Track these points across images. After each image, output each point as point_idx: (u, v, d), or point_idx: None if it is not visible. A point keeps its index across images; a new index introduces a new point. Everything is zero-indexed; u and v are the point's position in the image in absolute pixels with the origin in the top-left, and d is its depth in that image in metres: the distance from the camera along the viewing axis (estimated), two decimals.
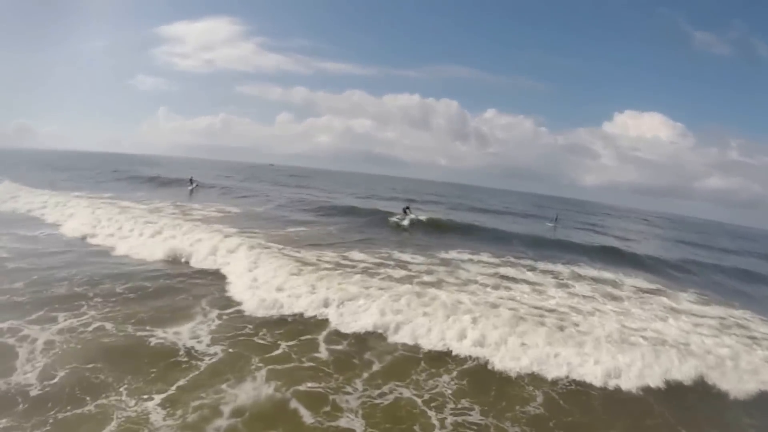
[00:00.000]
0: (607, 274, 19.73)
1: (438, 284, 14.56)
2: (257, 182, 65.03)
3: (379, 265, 16.47)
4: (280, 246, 17.64)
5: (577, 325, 11.95)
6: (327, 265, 15.38)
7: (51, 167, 63.93)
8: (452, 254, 19.98)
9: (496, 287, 15.02)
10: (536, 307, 13.21)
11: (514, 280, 16.50)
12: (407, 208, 30.38)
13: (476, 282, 15.41)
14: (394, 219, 28.28)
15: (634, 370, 9.68)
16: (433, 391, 8.44)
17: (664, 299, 16.38)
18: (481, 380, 9.06)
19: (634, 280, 19.25)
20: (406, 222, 27.86)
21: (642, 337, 11.64)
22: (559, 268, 19.76)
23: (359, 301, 11.87)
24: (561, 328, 11.36)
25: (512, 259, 20.37)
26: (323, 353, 9.55)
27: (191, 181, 48.92)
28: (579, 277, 18.47)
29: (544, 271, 18.68)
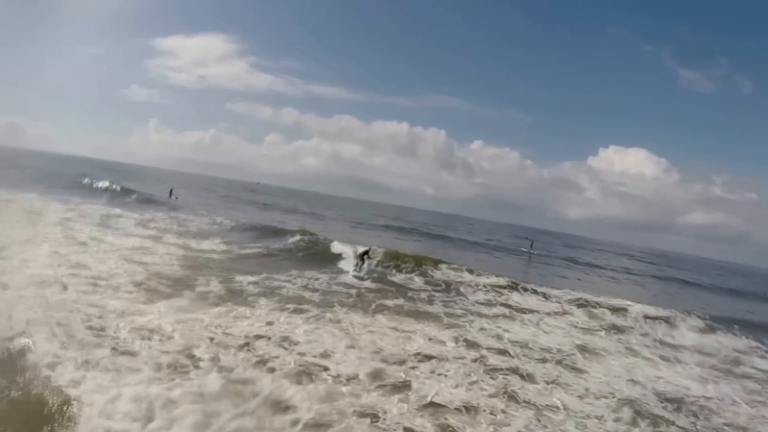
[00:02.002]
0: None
1: None
2: (230, 201, 65.07)
3: None
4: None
5: None
6: None
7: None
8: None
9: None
10: None
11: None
12: (366, 253, 22.85)
13: None
14: (352, 273, 21.26)
15: None
16: None
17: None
18: None
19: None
20: (362, 272, 21.57)
21: None
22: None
23: None
24: None
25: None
26: None
27: (171, 192, 53.04)
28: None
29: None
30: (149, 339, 10.26)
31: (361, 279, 20.52)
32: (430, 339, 12.72)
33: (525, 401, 9.63)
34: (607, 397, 10.37)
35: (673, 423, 9.65)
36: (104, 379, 8.05)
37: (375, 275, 21.29)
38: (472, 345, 12.66)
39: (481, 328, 14.52)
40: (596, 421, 9.21)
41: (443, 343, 12.60)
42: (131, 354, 9.28)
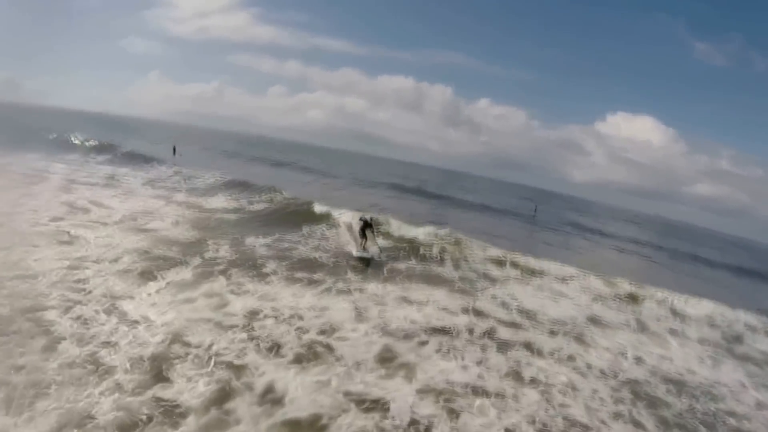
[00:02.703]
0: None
1: None
2: (234, 157, 63.20)
3: None
4: None
5: None
6: None
7: None
8: None
9: None
10: None
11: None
12: (367, 223, 18.19)
13: None
14: (356, 253, 17.62)
15: None
16: None
17: None
18: None
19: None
20: (369, 252, 17.77)
21: None
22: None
23: None
24: None
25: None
26: None
27: (174, 149, 51.65)
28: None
29: None
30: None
31: (368, 260, 17.28)
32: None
33: (532, 379, 10.07)
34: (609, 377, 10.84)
35: (670, 406, 10.01)
36: None
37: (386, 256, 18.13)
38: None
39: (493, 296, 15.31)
40: (599, 402, 9.56)
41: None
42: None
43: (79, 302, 10.99)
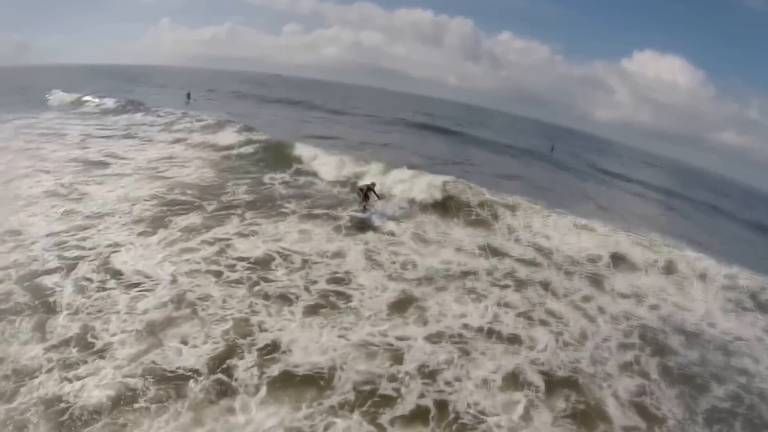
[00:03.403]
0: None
1: None
2: (249, 99, 61.25)
3: None
4: None
5: None
6: None
7: None
8: None
9: None
10: None
11: None
12: (369, 189, 16.58)
13: None
14: (357, 214, 16.09)
15: None
16: None
17: None
18: None
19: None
20: (368, 214, 16.22)
21: None
22: None
23: None
24: None
25: None
26: None
27: (188, 95, 50.34)
28: None
29: None
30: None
31: (370, 222, 15.76)
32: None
33: (542, 322, 10.52)
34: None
35: (680, 356, 10.25)
36: None
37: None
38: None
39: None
40: (606, 350, 9.80)
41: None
42: None
43: (83, 258, 11.11)
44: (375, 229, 15.24)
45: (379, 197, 16.80)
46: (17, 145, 23.70)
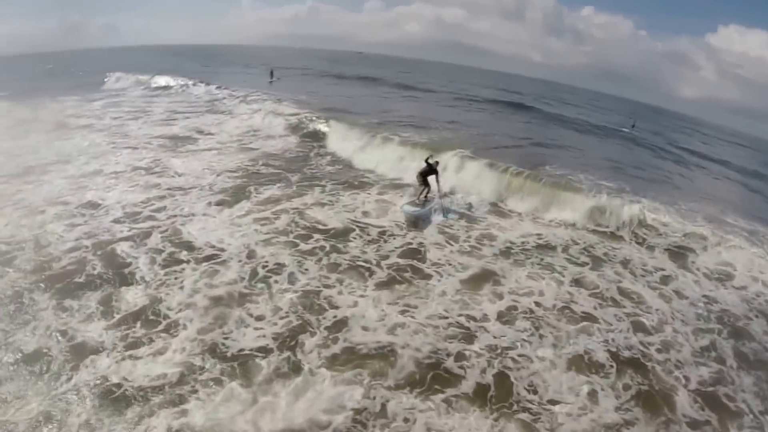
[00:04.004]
0: None
1: None
2: (334, 79, 58.58)
3: None
4: None
5: None
6: None
7: None
8: None
9: None
10: None
11: None
12: (432, 168, 13.66)
13: None
14: (411, 210, 13.47)
15: None
16: None
17: None
18: None
19: None
20: (423, 210, 13.61)
21: None
22: None
23: None
24: None
25: None
26: None
27: (271, 73, 48.72)
28: None
29: None
30: None
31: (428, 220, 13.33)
32: None
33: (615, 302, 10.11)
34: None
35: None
36: None
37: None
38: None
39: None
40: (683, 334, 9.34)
41: None
42: None
43: (157, 229, 11.73)
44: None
45: (439, 183, 13.78)
46: (103, 123, 25.55)
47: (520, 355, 8.09)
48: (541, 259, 11.77)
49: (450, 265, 11.07)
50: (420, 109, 33.20)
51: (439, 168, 13.82)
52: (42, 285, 9.22)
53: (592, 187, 16.11)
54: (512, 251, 12.08)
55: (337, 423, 6.51)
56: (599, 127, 40.26)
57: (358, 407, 6.76)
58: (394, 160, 17.90)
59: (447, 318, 8.98)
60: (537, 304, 9.77)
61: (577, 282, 10.84)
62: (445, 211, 13.74)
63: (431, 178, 13.59)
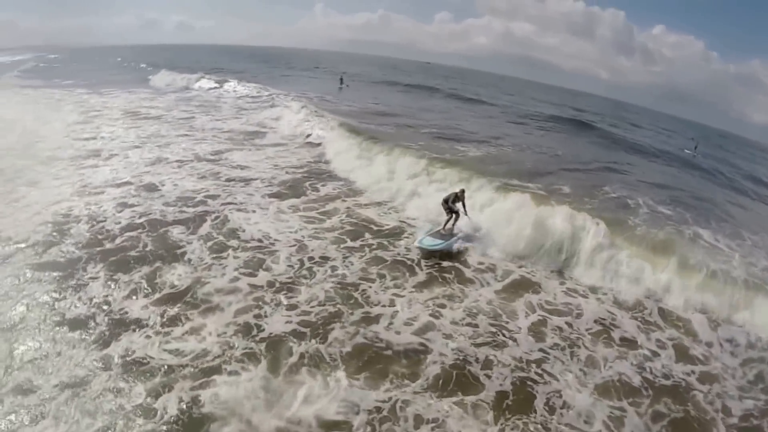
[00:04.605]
0: None
1: None
2: (402, 88, 57.73)
3: None
4: None
5: None
6: None
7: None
8: None
9: None
10: None
11: None
12: (458, 196, 12.57)
13: None
14: (428, 244, 11.60)
15: None
16: None
17: None
18: None
19: None
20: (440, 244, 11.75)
21: None
22: None
23: None
24: None
25: None
26: None
27: (341, 80, 48.45)
28: None
29: None
30: None
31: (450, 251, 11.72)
32: None
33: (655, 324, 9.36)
34: None
35: None
36: None
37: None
38: None
39: None
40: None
41: None
42: None
43: (211, 216, 12.34)
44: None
45: (466, 211, 12.53)
46: (172, 114, 26.99)
47: (546, 372, 7.77)
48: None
49: (492, 271, 10.88)
50: (483, 125, 32.50)
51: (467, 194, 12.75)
52: (95, 257, 9.89)
53: (659, 221, 14.51)
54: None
55: (350, 420, 6.45)
56: (662, 150, 37.63)
57: (373, 407, 6.67)
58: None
59: (479, 324, 8.85)
60: (574, 318, 9.42)
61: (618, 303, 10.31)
62: (466, 239, 12.32)
63: (458, 206, 12.45)
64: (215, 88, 41.19)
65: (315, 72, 70.43)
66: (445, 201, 12.43)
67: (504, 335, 8.62)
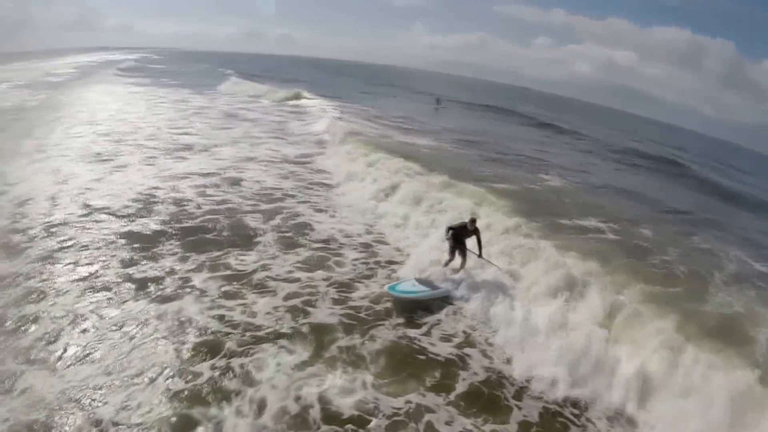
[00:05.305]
0: None
1: None
2: (483, 110, 56.88)
3: None
4: None
5: None
6: None
7: None
8: None
9: None
10: None
11: None
12: (466, 228, 9.85)
13: None
14: (407, 291, 9.22)
15: None
16: None
17: None
18: None
19: None
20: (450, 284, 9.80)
21: None
22: None
23: None
24: None
25: None
26: None
27: (438, 100, 48.25)
28: None
29: None
30: None
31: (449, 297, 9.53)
32: None
33: None
34: None
35: None
36: None
37: None
38: None
39: None
40: None
41: None
42: None
43: (285, 211, 13.09)
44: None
45: (481, 247, 9.81)
46: (269, 119, 29.21)
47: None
48: None
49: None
50: (573, 160, 30.15)
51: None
52: (173, 234, 11.14)
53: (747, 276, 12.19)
54: None
55: (366, 417, 6.42)
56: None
57: (393, 413, 6.57)
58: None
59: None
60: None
61: None
62: (472, 286, 9.53)
63: (471, 242, 9.75)
64: (310, 99, 42.30)
65: (410, 91, 70.96)
66: (454, 234, 9.72)
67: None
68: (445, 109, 46.63)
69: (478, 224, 9.99)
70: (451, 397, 6.98)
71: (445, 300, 9.39)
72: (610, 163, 32.93)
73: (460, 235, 9.67)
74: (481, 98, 77.37)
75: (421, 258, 10.55)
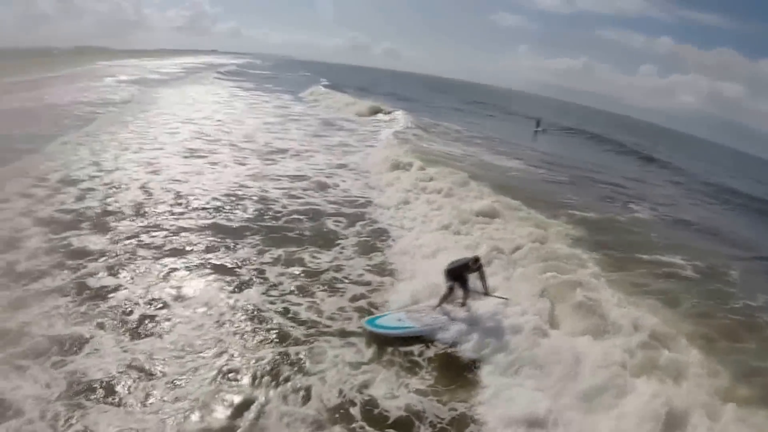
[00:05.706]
0: None
1: None
2: (587, 138, 54.39)
3: None
4: None
5: None
6: None
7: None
8: None
9: None
10: None
11: None
12: (468, 267, 8.79)
13: None
14: (410, 326, 8.38)
15: None
16: None
17: None
18: None
19: None
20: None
21: None
22: None
23: None
24: None
25: None
26: None
27: (538, 123, 45.61)
28: None
29: None
30: None
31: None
32: None
33: None
34: None
35: None
36: None
37: None
38: None
39: None
40: None
41: None
42: None
43: (365, 217, 13.58)
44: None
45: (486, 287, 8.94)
46: (364, 129, 30.00)
47: None
48: None
49: None
50: (670, 201, 26.13)
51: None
52: (255, 229, 11.97)
53: None
54: None
55: (412, 425, 6.48)
56: None
57: (437, 421, 6.58)
58: None
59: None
60: None
61: None
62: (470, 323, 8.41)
63: (472, 278, 8.81)
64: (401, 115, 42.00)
65: (511, 113, 69.16)
66: (452, 271, 8.65)
67: None
68: (545, 134, 44.39)
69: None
70: None
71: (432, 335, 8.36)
72: (710, 208, 28.80)
73: (461, 274, 8.69)
74: (582, 124, 73.63)
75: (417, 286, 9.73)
